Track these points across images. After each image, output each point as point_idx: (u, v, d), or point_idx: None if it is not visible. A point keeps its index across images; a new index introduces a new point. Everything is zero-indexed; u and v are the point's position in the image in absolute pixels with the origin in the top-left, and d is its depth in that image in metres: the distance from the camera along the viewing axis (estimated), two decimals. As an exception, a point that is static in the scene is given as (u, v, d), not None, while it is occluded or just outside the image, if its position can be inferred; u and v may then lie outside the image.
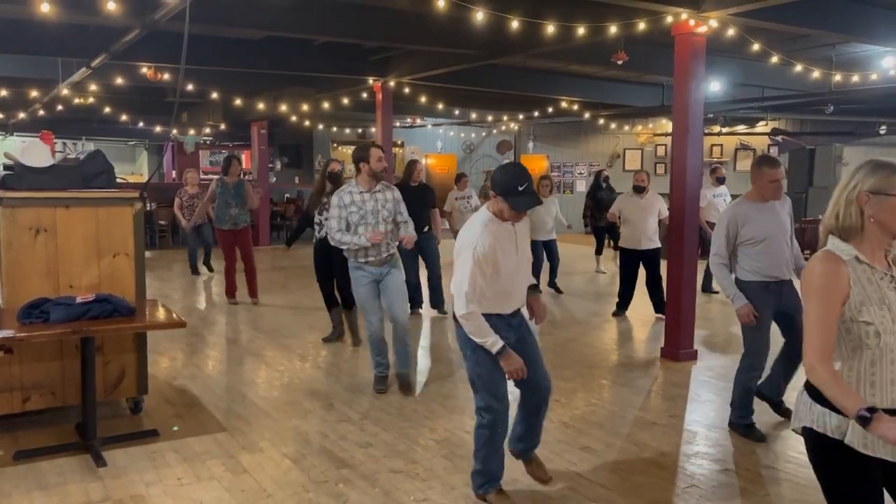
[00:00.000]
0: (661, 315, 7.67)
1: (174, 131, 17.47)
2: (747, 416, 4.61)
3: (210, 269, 11.65)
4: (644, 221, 7.98)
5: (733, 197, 7.12)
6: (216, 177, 9.06)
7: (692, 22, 6.09)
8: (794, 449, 4.35)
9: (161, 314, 4.40)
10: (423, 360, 6.46)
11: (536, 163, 20.32)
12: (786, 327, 4.64)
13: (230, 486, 3.77)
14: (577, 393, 5.46)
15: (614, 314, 8.32)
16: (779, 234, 4.41)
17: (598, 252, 11.80)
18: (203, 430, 4.59)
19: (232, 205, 8.57)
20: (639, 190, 8.12)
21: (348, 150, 21.55)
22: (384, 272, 5.30)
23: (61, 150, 19.14)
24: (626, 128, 18.85)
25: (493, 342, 3.32)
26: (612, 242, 11.42)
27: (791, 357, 4.68)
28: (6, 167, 4.69)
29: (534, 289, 3.71)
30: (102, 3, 5.27)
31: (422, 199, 7.80)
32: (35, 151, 4.62)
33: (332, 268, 6.54)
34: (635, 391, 5.61)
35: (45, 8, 5.11)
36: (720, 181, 9.40)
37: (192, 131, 18.05)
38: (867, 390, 2.11)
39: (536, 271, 9.36)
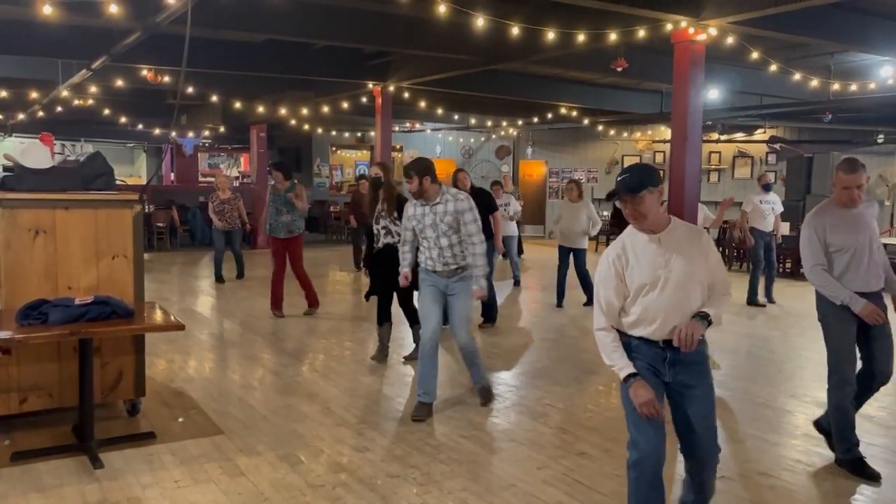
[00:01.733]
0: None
1: (173, 133, 17.47)
2: (853, 447, 4.08)
3: (221, 281, 11.01)
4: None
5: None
6: (271, 182, 8.55)
7: (691, 30, 6.13)
8: (790, 457, 4.36)
9: (159, 316, 4.40)
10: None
11: (535, 168, 20.37)
12: (863, 346, 4.11)
13: (227, 490, 3.77)
14: (574, 399, 5.47)
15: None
16: (862, 244, 3.98)
17: None
18: (200, 432, 4.59)
19: (283, 211, 8.13)
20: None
21: (347, 154, 21.60)
22: (450, 287, 4.97)
23: (60, 151, 19.13)
24: (625, 134, 18.91)
25: (621, 367, 2.92)
26: None
27: (864, 382, 4.14)
28: (6, 168, 4.68)
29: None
30: (105, 6, 5.28)
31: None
32: (35, 153, 4.62)
33: (391, 280, 5.85)
34: (632, 397, 5.60)
35: (47, 10, 5.13)
36: (767, 188, 9.38)
37: (191, 134, 18.07)
38: None
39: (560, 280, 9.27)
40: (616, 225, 11.67)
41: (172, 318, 4.37)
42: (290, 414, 5.00)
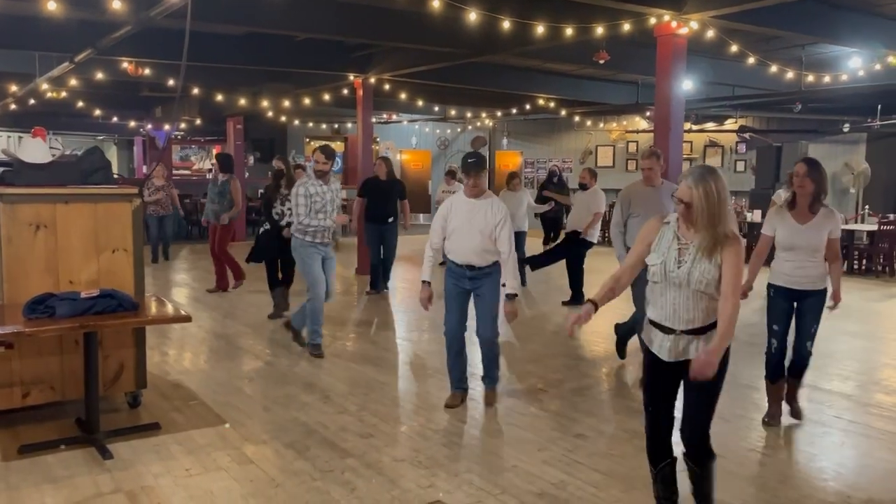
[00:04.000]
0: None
1: (166, 126, 17.33)
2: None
3: (155, 261, 12.28)
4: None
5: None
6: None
7: (674, 23, 6.29)
8: (776, 434, 4.57)
9: (166, 309, 4.46)
10: (416, 353, 6.58)
11: (510, 159, 20.51)
12: None
13: (238, 477, 3.86)
14: (565, 384, 5.62)
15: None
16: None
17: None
18: (204, 422, 4.65)
19: (214, 200, 9.02)
20: (583, 187, 8.83)
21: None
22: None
23: (53, 145, 18.79)
24: (600, 125, 19.12)
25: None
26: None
27: None
28: (4, 164, 4.68)
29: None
30: (107, 2, 5.26)
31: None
32: (33, 148, 4.63)
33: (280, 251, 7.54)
34: (620, 381, 5.80)
35: (51, 6, 5.10)
36: None
37: (166, 126, 17.89)
38: None
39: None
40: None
41: (180, 310, 4.42)
42: (290, 403, 5.08)
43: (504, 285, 4.83)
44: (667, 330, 3.11)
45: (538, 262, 9.32)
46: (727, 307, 2.96)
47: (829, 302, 4.60)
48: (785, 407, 4.84)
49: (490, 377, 5.17)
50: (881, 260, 11.89)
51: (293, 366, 6.07)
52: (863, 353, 6.80)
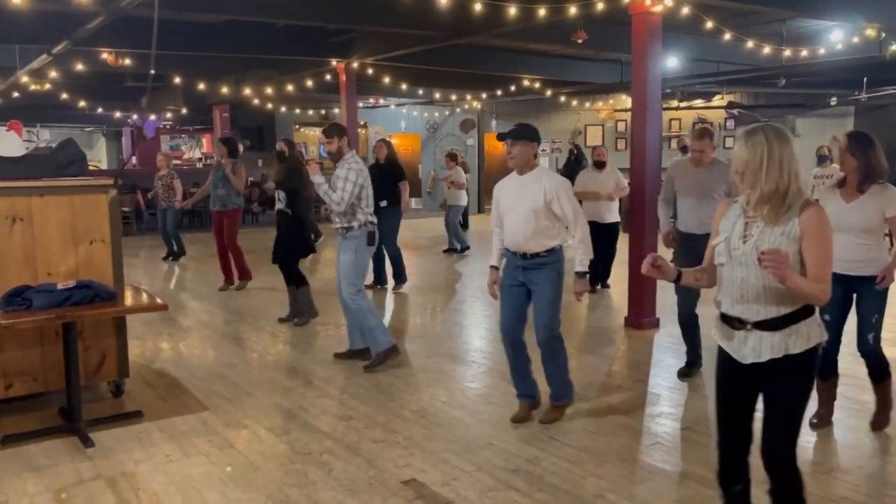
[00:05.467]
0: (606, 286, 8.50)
1: (134, 116, 17.22)
2: None
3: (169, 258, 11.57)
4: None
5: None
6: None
7: (648, 1, 6.30)
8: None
9: (142, 298, 4.50)
10: (397, 337, 6.64)
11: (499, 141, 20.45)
12: None
13: (218, 461, 3.92)
14: (546, 362, 5.68)
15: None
16: None
17: None
18: (186, 409, 4.71)
19: (219, 185, 8.55)
20: (599, 165, 8.37)
21: (310, 132, 21.49)
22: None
23: (28, 138, 18.73)
24: (587, 104, 19.10)
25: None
26: None
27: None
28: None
29: None
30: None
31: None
32: (6, 141, 4.65)
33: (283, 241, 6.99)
34: (601, 358, 5.87)
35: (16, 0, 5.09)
36: (822, 160, 9.57)
37: (152, 116, 17.84)
38: None
39: None
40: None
41: (156, 299, 4.47)
42: (272, 388, 5.14)
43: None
44: (737, 323, 2.64)
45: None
46: (821, 288, 2.48)
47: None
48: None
49: (554, 389, 4.45)
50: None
51: (276, 352, 6.13)
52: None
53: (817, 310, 2.63)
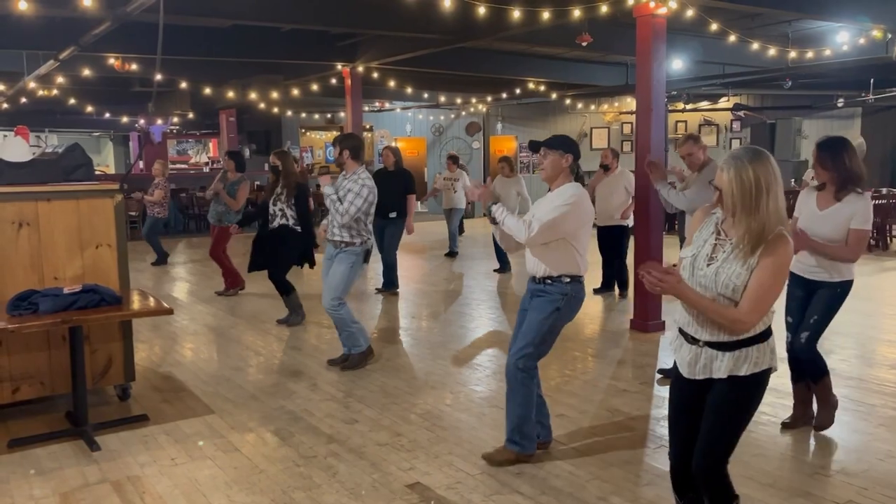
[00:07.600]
0: (623, 293, 8.33)
1: (141, 121, 17.31)
2: None
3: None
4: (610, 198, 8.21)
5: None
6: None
7: (652, 3, 6.29)
8: (760, 410, 4.62)
9: (148, 302, 4.52)
10: (402, 340, 6.65)
11: (505, 144, 20.50)
12: None
13: (223, 464, 3.93)
14: (551, 365, 5.68)
15: (596, 291, 8.48)
16: None
17: None
18: (192, 413, 4.73)
19: (219, 200, 8.46)
20: (605, 168, 8.34)
21: (317, 136, 21.54)
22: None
23: (35, 143, 18.85)
24: (592, 107, 19.09)
25: None
26: None
27: None
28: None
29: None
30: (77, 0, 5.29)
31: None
32: (13, 147, 4.68)
33: (279, 256, 7.03)
34: (607, 361, 5.86)
35: (22, 6, 5.13)
36: None
37: (159, 121, 17.92)
38: None
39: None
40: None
41: (161, 303, 4.49)
42: (277, 392, 5.15)
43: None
44: (690, 339, 2.66)
45: None
46: (737, 317, 2.48)
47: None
48: None
49: (507, 428, 3.89)
50: (874, 234, 11.90)
51: (281, 356, 6.15)
52: (856, 328, 6.84)
53: (772, 336, 2.61)
